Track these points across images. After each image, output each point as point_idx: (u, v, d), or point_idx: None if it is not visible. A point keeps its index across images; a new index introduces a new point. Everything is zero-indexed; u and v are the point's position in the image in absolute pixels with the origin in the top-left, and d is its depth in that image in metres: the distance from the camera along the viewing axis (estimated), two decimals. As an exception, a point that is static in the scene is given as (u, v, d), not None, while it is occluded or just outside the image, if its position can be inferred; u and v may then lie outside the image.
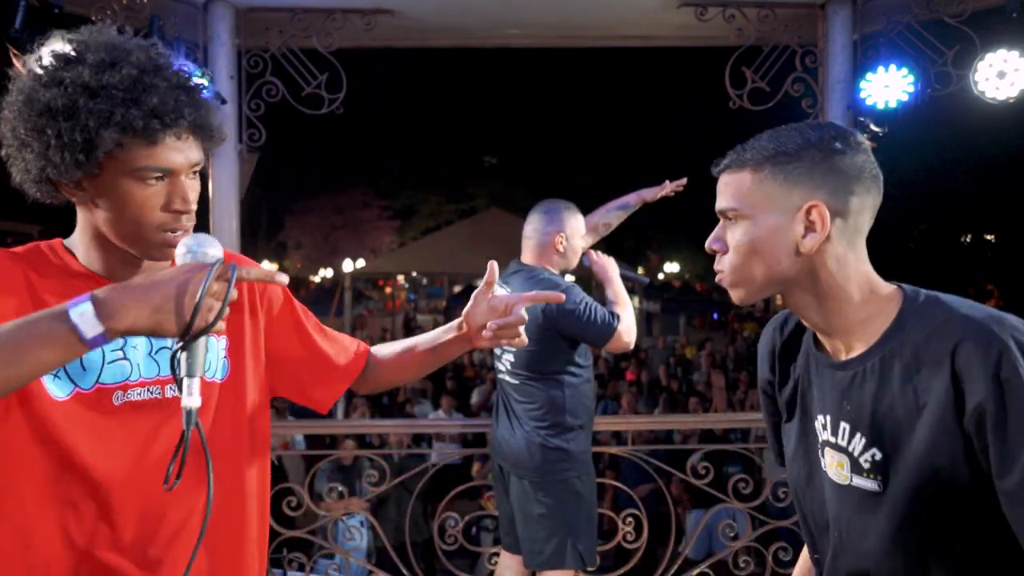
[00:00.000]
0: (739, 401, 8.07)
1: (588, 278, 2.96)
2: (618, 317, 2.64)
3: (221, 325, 1.01)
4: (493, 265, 1.32)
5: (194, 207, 1.12)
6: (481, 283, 1.35)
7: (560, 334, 2.62)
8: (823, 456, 1.15)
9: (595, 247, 2.94)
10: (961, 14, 2.92)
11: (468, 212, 27.83)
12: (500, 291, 2.91)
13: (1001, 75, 2.80)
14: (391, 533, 4.58)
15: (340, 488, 3.58)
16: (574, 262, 2.81)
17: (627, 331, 2.65)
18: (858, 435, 1.08)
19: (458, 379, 9.46)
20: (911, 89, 2.92)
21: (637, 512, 3.30)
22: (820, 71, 3.23)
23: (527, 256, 2.79)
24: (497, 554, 3.02)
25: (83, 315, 0.93)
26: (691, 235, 27.79)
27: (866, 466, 1.08)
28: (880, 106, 2.98)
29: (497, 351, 2.77)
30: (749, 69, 3.21)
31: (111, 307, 0.94)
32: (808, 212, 1.06)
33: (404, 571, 3.39)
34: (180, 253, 1.04)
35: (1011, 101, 2.83)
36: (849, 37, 3.18)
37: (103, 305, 0.94)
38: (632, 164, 24.48)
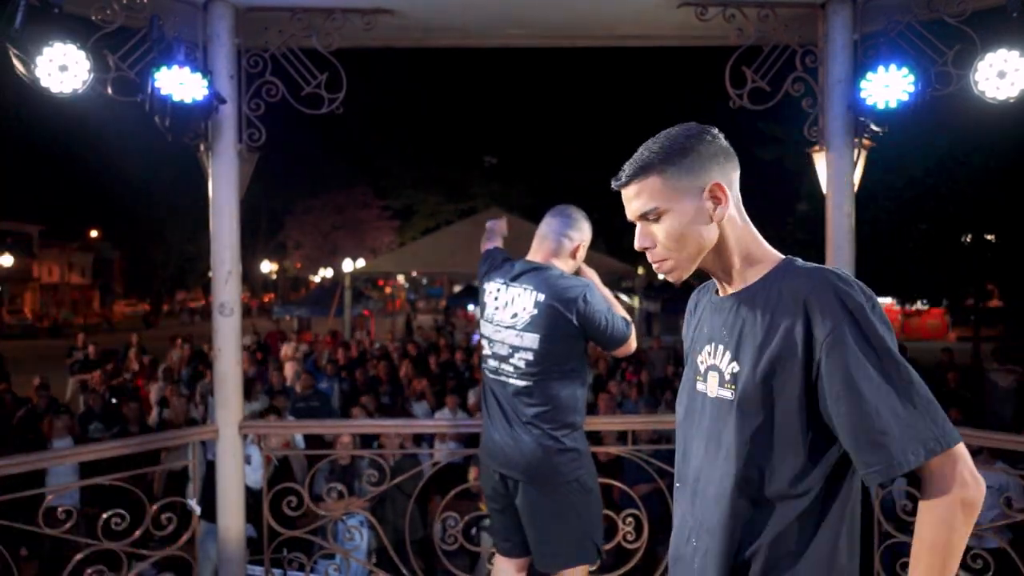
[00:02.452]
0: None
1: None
2: (630, 323, 2.68)
3: None
4: None
5: None
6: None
7: (581, 332, 2.63)
8: (706, 380, 1.39)
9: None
10: (961, 14, 2.91)
11: (468, 212, 27.81)
12: (514, 290, 2.88)
13: (1001, 75, 2.79)
14: (389, 533, 4.58)
15: (339, 488, 3.57)
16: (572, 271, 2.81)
17: (634, 336, 2.71)
18: (728, 353, 1.34)
19: (459, 379, 9.45)
20: (911, 89, 2.90)
21: (637, 512, 3.29)
22: (820, 71, 3.23)
23: (542, 255, 2.75)
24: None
25: None
26: (691, 235, 27.71)
27: (728, 378, 1.33)
28: (880, 106, 2.96)
29: (503, 352, 2.72)
30: (749, 69, 3.20)
31: None
32: (712, 190, 1.33)
33: (404, 571, 3.39)
34: None
35: (1011, 101, 2.82)
36: (849, 37, 3.17)
37: None
38: (632, 164, 24.37)
